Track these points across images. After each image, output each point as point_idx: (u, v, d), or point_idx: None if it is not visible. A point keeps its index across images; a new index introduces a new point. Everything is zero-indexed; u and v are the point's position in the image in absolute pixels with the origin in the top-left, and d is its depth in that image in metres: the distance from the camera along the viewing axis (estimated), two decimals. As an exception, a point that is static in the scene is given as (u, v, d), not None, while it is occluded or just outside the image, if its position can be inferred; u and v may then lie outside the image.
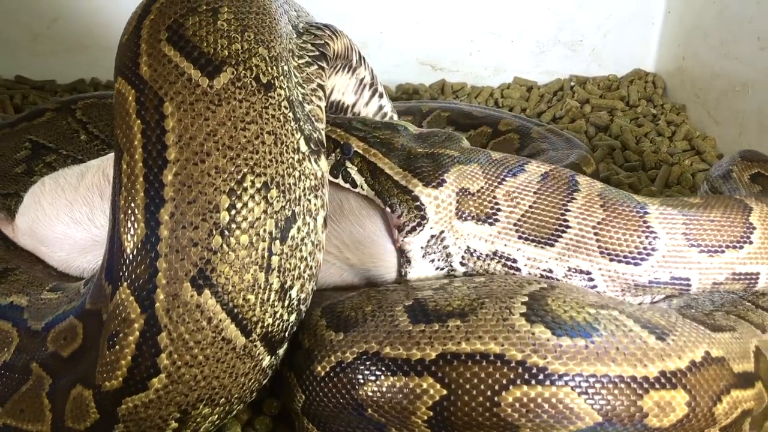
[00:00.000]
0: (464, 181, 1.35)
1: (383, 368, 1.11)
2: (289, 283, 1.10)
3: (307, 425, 1.22)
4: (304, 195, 1.12)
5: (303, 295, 1.15)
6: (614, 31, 3.10)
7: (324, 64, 1.29)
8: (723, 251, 1.33)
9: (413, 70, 3.15)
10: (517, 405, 1.06)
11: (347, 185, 1.39)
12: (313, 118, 1.20)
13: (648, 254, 1.31)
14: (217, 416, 1.14)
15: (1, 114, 2.61)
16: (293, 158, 1.10)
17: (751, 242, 1.34)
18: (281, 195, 1.07)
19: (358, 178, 1.38)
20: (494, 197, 1.35)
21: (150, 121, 1.04)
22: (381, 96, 1.81)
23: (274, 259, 1.07)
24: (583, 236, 1.31)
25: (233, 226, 1.03)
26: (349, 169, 1.38)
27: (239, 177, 1.04)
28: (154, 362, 1.03)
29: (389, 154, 1.37)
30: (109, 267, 1.07)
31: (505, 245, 1.34)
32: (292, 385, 1.21)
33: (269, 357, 1.15)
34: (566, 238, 1.31)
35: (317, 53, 1.29)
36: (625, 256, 1.31)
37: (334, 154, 1.38)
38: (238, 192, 1.04)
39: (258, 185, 1.05)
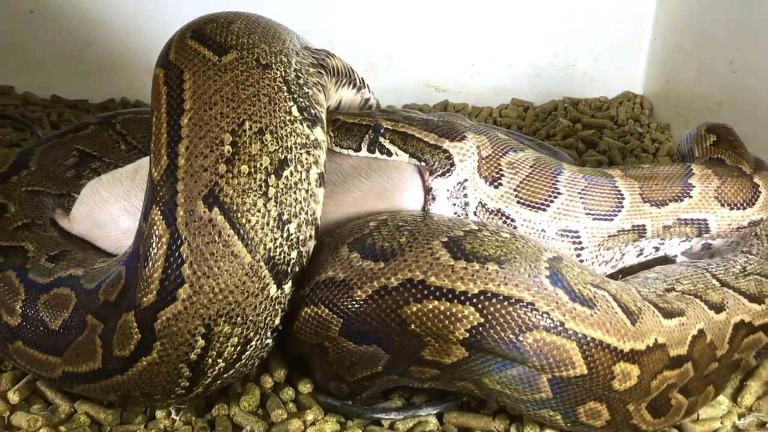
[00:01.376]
0: (478, 143, 1.66)
1: (428, 294, 1.33)
2: (286, 216, 1.37)
3: (343, 344, 1.42)
4: (296, 147, 1.41)
5: (301, 236, 1.40)
6: (605, 57, 3.32)
7: (322, 71, 1.61)
8: (667, 204, 1.65)
9: (418, 91, 3.37)
10: (536, 345, 1.31)
11: (383, 155, 1.69)
12: (312, 100, 1.51)
13: (618, 210, 1.65)
14: (237, 338, 1.37)
15: (41, 130, 2.86)
16: (285, 117, 1.41)
17: (690, 196, 1.69)
18: (275, 140, 1.37)
19: (392, 148, 1.67)
20: (499, 164, 1.65)
21: (173, 86, 1.37)
22: None
23: (271, 190, 1.34)
24: (572, 201, 1.61)
25: (235, 157, 1.32)
26: (383, 143, 1.67)
27: (239, 121, 1.34)
28: (180, 273, 1.28)
29: (414, 124, 1.68)
30: (144, 202, 1.36)
31: (507, 207, 1.64)
32: (325, 316, 1.40)
33: (275, 287, 1.38)
34: (558, 203, 1.62)
35: (316, 63, 1.61)
36: (603, 215, 1.64)
37: (368, 135, 1.68)
38: (239, 132, 1.34)
39: (255, 129, 1.35)
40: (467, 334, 1.32)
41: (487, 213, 1.65)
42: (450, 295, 1.32)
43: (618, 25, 3.25)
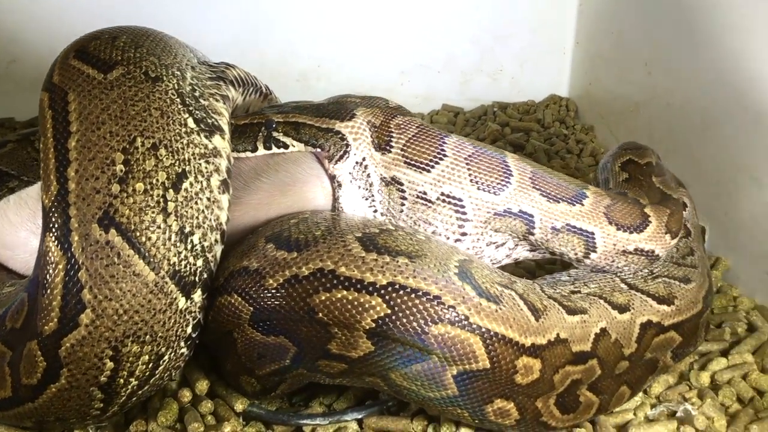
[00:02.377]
0: (369, 116, 1.64)
1: (337, 284, 1.35)
2: (188, 228, 1.36)
3: (251, 334, 1.44)
4: (194, 158, 1.40)
5: (206, 243, 1.41)
6: (530, 61, 3.39)
7: (221, 83, 1.60)
8: (559, 202, 1.59)
9: (350, 99, 3.40)
10: (440, 338, 1.34)
11: (280, 150, 1.68)
12: (210, 111, 1.50)
13: (505, 186, 1.57)
14: (147, 356, 1.36)
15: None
16: (180, 130, 1.40)
17: (582, 204, 1.61)
18: (170, 154, 1.36)
19: (287, 140, 1.67)
20: (389, 128, 1.62)
21: (57, 108, 1.35)
22: None
23: (170, 205, 1.34)
24: (456, 165, 1.56)
25: (129, 175, 1.31)
26: (277, 137, 1.67)
27: (131, 138, 1.33)
28: (80, 298, 1.27)
29: (304, 113, 1.67)
30: (42, 228, 1.33)
31: (397, 170, 1.60)
32: (236, 304, 1.43)
33: (184, 299, 1.38)
34: (443, 165, 1.57)
35: (214, 75, 1.61)
36: (488, 186, 1.56)
37: (261, 133, 1.67)
38: (131, 150, 1.32)
39: (148, 145, 1.34)
40: (373, 324, 1.34)
41: (386, 186, 1.63)
42: (359, 285, 1.35)
43: (541, 30, 3.32)
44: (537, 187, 1.59)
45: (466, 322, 1.35)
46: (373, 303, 1.34)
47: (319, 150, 1.66)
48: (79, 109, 1.34)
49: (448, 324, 1.34)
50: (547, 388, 1.45)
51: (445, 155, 1.57)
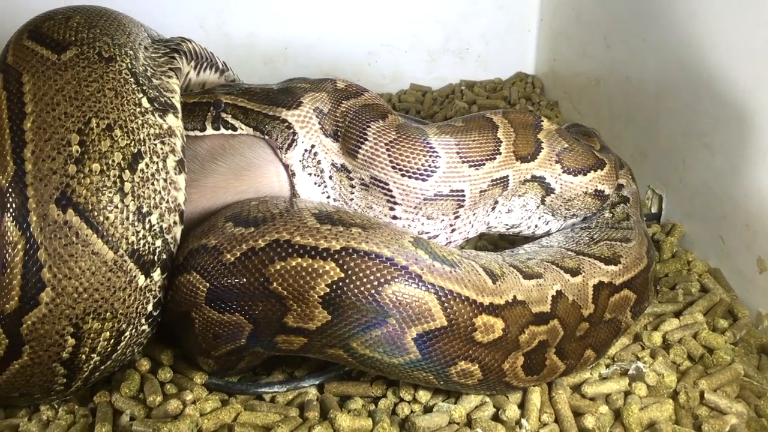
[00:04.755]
0: (316, 103, 1.66)
1: (292, 252, 1.38)
2: (146, 208, 1.39)
3: (208, 313, 1.46)
4: (149, 139, 1.42)
5: (165, 224, 1.43)
6: (496, 39, 3.42)
7: (175, 56, 1.63)
8: (484, 164, 1.61)
9: (317, 81, 3.42)
10: (394, 297, 1.37)
11: (229, 131, 1.69)
12: (162, 89, 1.52)
13: (433, 171, 1.57)
14: (108, 333, 1.39)
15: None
16: (135, 109, 1.41)
17: (500, 153, 1.64)
18: (125, 134, 1.38)
19: (236, 123, 1.68)
20: (336, 116, 1.64)
21: (12, 90, 1.36)
22: None
23: (127, 185, 1.36)
24: (376, 150, 1.58)
25: (85, 156, 1.32)
26: (225, 118, 1.68)
27: (86, 119, 1.34)
28: (39, 277, 1.30)
29: (253, 98, 1.68)
30: None
31: (343, 158, 1.63)
32: (194, 282, 1.45)
33: (143, 277, 1.41)
34: (363, 150, 1.59)
35: (168, 49, 1.63)
36: (414, 173, 1.57)
37: (210, 113, 1.68)
38: (86, 131, 1.34)
39: (103, 126, 1.36)
40: (328, 290, 1.37)
41: (338, 172, 1.65)
42: (313, 252, 1.38)
43: (507, 8, 3.34)
44: (464, 159, 1.60)
45: (420, 281, 1.38)
46: (327, 268, 1.37)
47: (267, 138, 1.67)
48: (34, 90, 1.35)
49: (401, 284, 1.37)
50: (512, 347, 1.48)
51: (365, 140, 1.59)
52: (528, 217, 1.80)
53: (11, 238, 1.30)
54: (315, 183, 1.67)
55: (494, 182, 1.64)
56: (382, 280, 1.37)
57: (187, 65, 1.68)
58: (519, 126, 1.68)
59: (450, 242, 1.70)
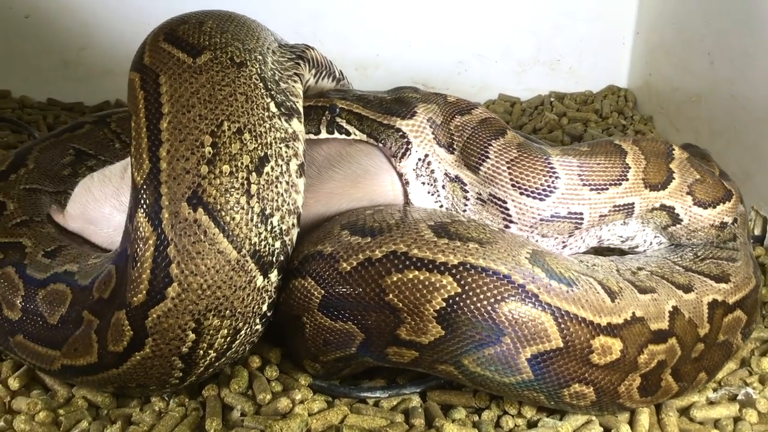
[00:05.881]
0: (429, 113, 1.67)
1: (410, 264, 1.39)
2: (269, 210, 1.42)
3: (320, 319, 1.48)
4: (275, 143, 1.45)
5: (284, 226, 1.46)
6: (589, 51, 3.39)
7: (300, 62, 1.66)
8: (607, 188, 1.59)
9: (407, 88, 3.44)
10: (510, 315, 1.36)
11: (343, 136, 1.73)
12: (288, 94, 1.56)
13: (551, 191, 1.57)
14: (226, 330, 1.43)
15: (38, 132, 2.92)
16: (263, 114, 1.45)
17: (627, 179, 1.60)
18: (253, 138, 1.41)
19: (350, 128, 1.72)
20: (449, 129, 1.65)
21: (149, 90, 1.41)
22: None
23: (253, 187, 1.39)
24: (498, 168, 1.58)
25: (216, 158, 1.36)
26: (340, 123, 1.72)
27: (218, 122, 1.38)
28: (168, 272, 1.34)
29: (367, 106, 1.71)
30: (129, 205, 1.41)
31: (460, 171, 1.64)
32: (309, 287, 1.47)
33: (261, 277, 1.44)
34: (485, 167, 1.59)
35: (293, 55, 1.66)
36: (532, 192, 1.57)
37: (325, 117, 1.72)
38: (218, 133, 1.38)
39: (234, 129, 1.39)
40: (444, 304, 1.37)
41: (451, 182, 1.66)
42: (430, 266, 1.38)
43: (601, 20, 3.31)
44: (586, 182, 1.58)
45: (536, 300, 1.37)
46: (444, 282, 1.37)
47: (381, 146, 1.70)
48: (171, 91, 1.40)
49: (518, 302, 1.36)
50: (630, 368, 1.45)
51: (487, 157, 1.60)
52: (643, 240, 1.77)
53: (143, 234, 1.35)
54: (428, 192, 1.69)
55: (617, 208, 1.61)
56: (498, 298, 1.36)
57: (308, 72, 1.71)
58: (650, 153, 1.64)
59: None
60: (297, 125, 1.53)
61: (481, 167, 1.60)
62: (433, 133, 1.66)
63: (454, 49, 3.39)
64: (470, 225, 1.52)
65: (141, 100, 1.42)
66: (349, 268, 1.43)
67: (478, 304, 1.36)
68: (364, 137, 1.71)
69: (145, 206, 1.36)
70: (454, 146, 1.64)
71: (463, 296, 1.36)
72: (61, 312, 1.52)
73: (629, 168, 1.60)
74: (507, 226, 1.60)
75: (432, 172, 1.67)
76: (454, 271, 1.37)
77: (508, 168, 1.57)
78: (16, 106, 3.20)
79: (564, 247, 1.66)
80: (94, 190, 1.74)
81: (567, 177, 1.56)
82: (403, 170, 1.68)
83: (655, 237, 1.78)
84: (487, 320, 1.36)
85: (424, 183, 1.68)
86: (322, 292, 1.45)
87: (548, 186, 1.56)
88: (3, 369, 1.68)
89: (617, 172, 1.59)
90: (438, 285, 1.37)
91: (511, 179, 1.57)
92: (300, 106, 1.58)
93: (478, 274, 1.37)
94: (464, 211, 1.65)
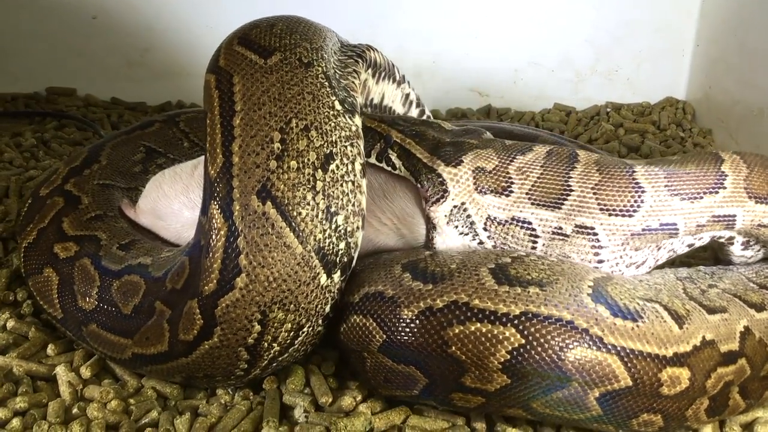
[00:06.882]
0: (479, 161, 1.62)
1: (471, 316, 1.38)
2: (333, 208, 1.45)
3: (381, 359, 1.48)
4: (340, 141, 1.49)
5: (349, 228, 1.48)
6: (648, 62, 3.37)
7: (359, 60, 1.71)
8: (701, 197, 1.54)
9: (462, 96, 3.47)
10: (576, 362, 1.34)
11: (389, 168, 1.72)
12: (348, 89, 1.61)
13: (639, 206, 1.52)
14: (290, 325, 1.46)
15: (102, 130, 3.01)
16: (329, 112, 1.50)
17: (725, 187, 1.54)
18: (320, 136, 1.46)
19: (397, 162, 1.70)
20: (507, 173, 1.60)
21: (224, 89, 1.47)
22: (424, 114, 2.18)
23: (319, 184, 1.43)
24: (584, 197, 1.54)
25: (284, 153, 1.41)
26: (390, 155, 1.71)
27: (287, 119, 1.44)
28: (237, 263, 1.38)
29: (421, 143, 1.69)
30: (203, 197, 1.46)
31: (521, 212, 1.58)
32: (370, 328, 1.47)
33: (325, 276, 1.47)
34: (570, 200, 1.55)
35: (354, 54, 1.72)
36: (620, 210, 1.53)
37: (379, 144, 1.72)
38: (287, 129, 1.43)
39: (301, 126, 1.44)
40: (508, 356, 1.36)
41: (500, 225, 1.61)
42: (492, 317, 1.37)
43: (661, 32, 3.30)
44: (675, 191, 1.53)
45: (601, 343, 1.35)
46: (507, 334, 1.36)
47: (419, 186, 1.67)
48: (243, 90, 1.46)
49: (583, 348, 1.34)
50: (698, 394, 1.43)
51: (571, 190, 1.56)
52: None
53: (216, 225, 1.40)
54: (461, 233, 1.65)
55: (716, 218, 1.56)
56: (563, 346, 1.34)
57: (365, 72, 1.75)
58: (755, 163, 1.58)
59: (657, 260, 1.65)
60: (359, 121, 1.58)
61: (566, 202, 1.56)
62: (475, 183, 1.62)
63: (511, 58, 3.41)
64: (530, 261, 1.49)
65: (216, 99, 1.48)
66: (411, 315, 1.42)
67: (543, 354, 1.34)
68: (407, 175, 1.70)
69: (218, 198, 1.41)
70: (512, 189, 1.60)
71: (528, 347, 1.35)
72: (134, 302, 1.57)
73: (726, 176, 1.55)
74: (597, 254, 1.56)
75: (468, 216, 1.63)
76: (516, 321, 1.35)
77: (595, 193, 1.54)
78: (81, 104, 3.31)
79: (659, 249, 1.62)
80: (165, 187, 1.80)
81: (653, 189, 1.53)
82: (432, 215, 1.65)
83: (753, 255, 1.73)
84: (553, 369, 1.35)
85: (457, 227, 1.65)
86: (384, 337, 1.45)
87: (635, 201, 1.52)
88: (75, 358, 1.73)
89: (711, 180, 1.55)
90: (501, 337, 1.36)
91: (598, 203, 1.53)
92: (358, 102, 1.62)
93: (540, 324, 1.35)
94: (533, 249, 1.61)
